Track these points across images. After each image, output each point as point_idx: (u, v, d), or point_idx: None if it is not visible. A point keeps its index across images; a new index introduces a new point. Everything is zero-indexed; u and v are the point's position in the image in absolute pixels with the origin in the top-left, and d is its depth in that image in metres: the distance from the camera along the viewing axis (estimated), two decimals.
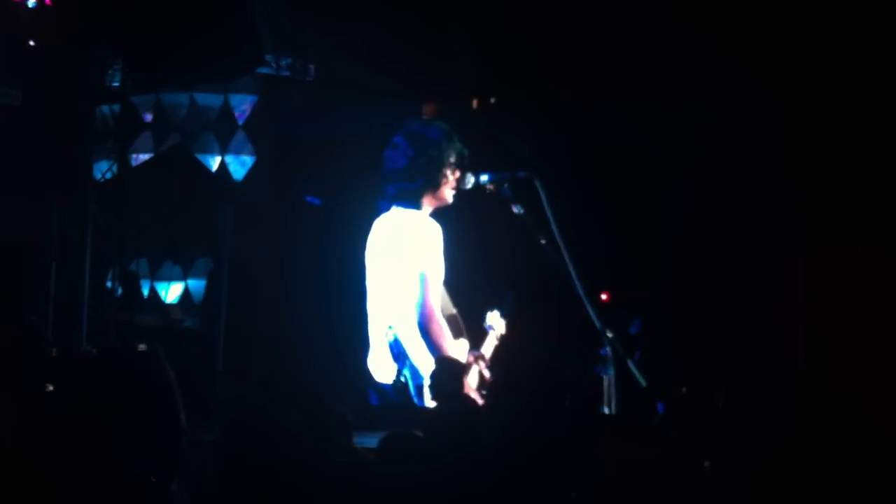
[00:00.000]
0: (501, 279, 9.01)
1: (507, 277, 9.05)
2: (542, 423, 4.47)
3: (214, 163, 12.90)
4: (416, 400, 7.36)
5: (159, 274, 12.68)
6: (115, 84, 9.36)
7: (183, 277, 12.71)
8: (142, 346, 8.51)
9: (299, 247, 9.98)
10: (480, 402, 6.90)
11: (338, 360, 8.16)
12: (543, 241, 7.44)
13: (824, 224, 8.81)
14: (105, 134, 9.33)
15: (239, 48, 8.30)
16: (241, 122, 13.00)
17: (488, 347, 7.77)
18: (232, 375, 8.86)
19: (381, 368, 7.51)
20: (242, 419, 3.76)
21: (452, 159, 7.56)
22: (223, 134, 13.01)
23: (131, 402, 3.60)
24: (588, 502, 4.57)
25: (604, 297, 8.69)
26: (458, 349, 7.50)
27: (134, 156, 12.37)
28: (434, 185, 7.55)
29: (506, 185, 7.58)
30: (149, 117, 13.11)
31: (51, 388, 5.16)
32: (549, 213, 7.41)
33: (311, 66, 10.32)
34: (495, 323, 7.87)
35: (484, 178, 7.61)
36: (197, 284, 12.56)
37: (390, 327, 7.47)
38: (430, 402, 7.09)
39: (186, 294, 12.65)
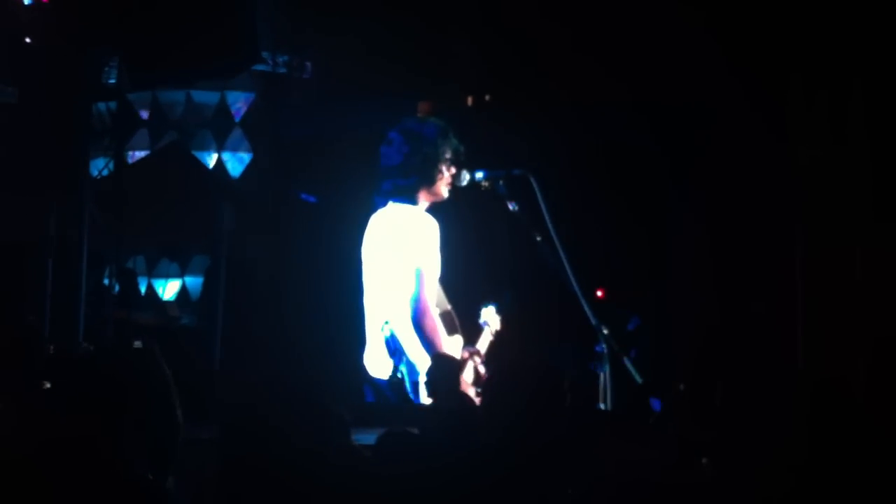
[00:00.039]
0: (498, 276, 9.01)
1: (503, 274, 9.05)
2: (543, 422, 4.46)
3: (211, 160, 12.88)
4: (412, 396, 7.37)
5: (156, 271, 12.67)
6: (112, 81, 9.34)
7: (180, 275, 12.70)
8: (137, 344, 8.51)
9: (296, 243, 9.97)
10: (476, 398, 6.91)
11: (334, 358, 8.15)
12: (539, 238, 7.45)
13: (824, 224, 8.82)
14: (101, 131, 9.30)
15: (239, 48, 8.29)
16: (237, 120, 12.99)
17: (483, 343, 7.78)
18: (230, 375, 8.84)
19: (378, 364, 7.51)
20: (242, 420, 3.75)
21: (448, 156, 7.57)
22: (220, 131, 13.01)
23: (128, 401, 3.59)
24: (587, 502, 4.56)
25: (599, 293, 8.69)
26: (452, 345, 7.51)
27: (130, 153, 12.35)
28: (429, 182, 7.56)
29: (501, 183, 7.59)
30: (145, 114, 13.10)
31: (47, 385, 5.15)
32: (544, 210, 7.41)
33: (308, 64, 10.32)
34: (490, 319, 7.88)
35: (479, 174, 7.62)
36: (194, 281, 12.55)
37: (387, 322, 7.48)
38: (426, 399, 7.09)
39: (184, 291, 12.64)
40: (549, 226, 7.41)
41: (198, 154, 12.58)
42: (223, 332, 9.87)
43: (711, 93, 9.14)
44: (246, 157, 12.86)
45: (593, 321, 7.36)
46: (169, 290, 12.63)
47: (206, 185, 11.54)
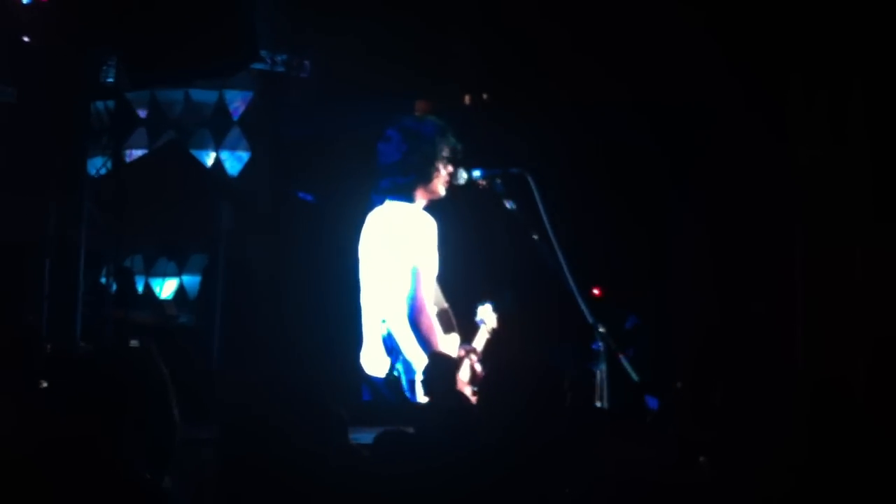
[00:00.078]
0: (495, 274, 9.02)
1: (500, 273, 9.06)
2: (542, 422, 4.46)
3: (209, 159, 12.87)
4: (408, 395, 7.38)
5: (154, 270, 12.65)
6: (110, 80, 9.34)
7: (178, 274, 12.68)
8: (135, 343, 8.49)
9: (294, 242, 9.96)
10: (472, 397, 6.91)
11: (332, 356, 8.15)
12: (536, 237, 7.45)
13: (824, 224, 8.82)
14: (100, 130, 9.29)
15: (237, 47, 8.29)
16: (235, 119, 12.98)
17: (479, 341, 7.78)
18: (229, 374, 8.85)
19: (375, 363, 7.51)
20: (241, 419, 3.75)
21: (446, 154, 7.60)
22: (218, 130, 12.99)
23: (125, 400, 3.58)
24: (586, 501, 4.55)
25: (596, 291, 8.69)
26: (448, 343, 7.52)
27: (129, 152, 12.33)
28: (427, 180, 7.58)
29: (498, 181, 7.61)
30: (144, 113, 13.08)
31: (44, 385, 5.14)
32: (541, 208, 7.42)
33: (307, 63, 10.32)
34: (486, 317, 7.89)
35: (476, 173, 7.64)
36: (192, 280, 12.53)
37: (383, 321, 7.48)
38: (422, 398, 7.10)
39: (181, 290, 12.63)
40: (546, 224, 7.41)
41: (196, 153, 12.56)
42: (221, 331, 9.87)
43: (711, 93, 9.15)
44: (244, 155, 12.85)
45: (590, 319, 7.37)
46: (167, 289, 12.61)
47: (205, 184, 11.52)
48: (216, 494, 3.84)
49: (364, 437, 4.69)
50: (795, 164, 8.91)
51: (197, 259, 12.40)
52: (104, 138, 9.46)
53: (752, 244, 9.08)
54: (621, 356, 7.29)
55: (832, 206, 8.80)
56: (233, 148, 12.95)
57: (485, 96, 10.03)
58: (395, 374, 7.46)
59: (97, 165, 9.41)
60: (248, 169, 12.68)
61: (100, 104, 9.15)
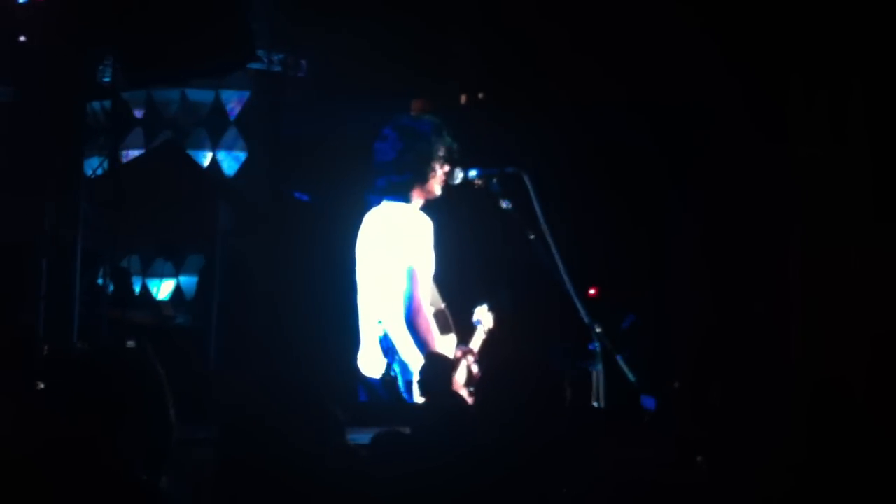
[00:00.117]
0: (492, 274, 9.02)
1: (497, 273, 9.06)
2: (541, 422, 4.46)
3: (206, 159, 12.87)
4: (405, 395, 7.38)
5: (151, 271, 12.64)
6: (106, 80, 9.34)
7: (175, 274, 12.68)
8: (131, 343, 8.49)
9: (291, 242, 9.96)
10: (469, 397, 6.92)
11: (329, 357, 8.16)
12: (532, 237, 7.46)
13: (823, 224, 8.82)
14: (96, 130, 9.29)
15: (235, 47, 8.29)
16: (232, 118, 12.97)
17: (476, 342, 7.79)
18: (226, 374, 8.85)
19: (371, 363, 7.51)
20: (239, 420, 3.75)
21: (441, 153, 7.59)
22: (215, 130, 12.98)
23: (122, 400, 3.59)
24: (585, 501, 4.56)
25: (591, 291, 8.70)
26: (445, 344, 7.51)
27: (125, 152, 12.32)
28: (423, 179, 7.58)
29: (494, 181, 7.61)
30: (140, 113, 13.07)
31: (41, 386, 5.14)
32: (537, 208, 7.42)
33: (303, 62, 10.32)
34: (483, 317, 7.89)
35: (472, 173, 7.64)
36: (189, 281, 12.53)
37: (380, 322, 7.48)
38: (419, 398, 7.10)
39: (178, 291, 12.62)
40: (543, 224, 7.42)
41: (193, 153, 12.55)
42: (218, 331, 9.88)
43: (710, 93, 9.15)
44: (241, 155, 12.84)
45: (586, 319, 7.37)
46: (163, 289, 12.61)
47: (201, 184, 11.52)
48: (213, 495, 3.85)
49: (361, 437, 4.69)
50: (795, 164, 8.91)
51: (194, 259, 12.39)
52: (100, 138, 9.45)
53: (751, 244, 9.08)
54: (618, 356, 7.30)
55: (832, 206, 8.80)
56: (230, 148, 12.94)
57: (480, 95, 10.03)
58: (392, 374, 7.46)
59: (94, 166, 9.41)
60: (245, 169, 12.67)
61: (96, 104, 9.14)
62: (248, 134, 12.68)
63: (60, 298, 8.47)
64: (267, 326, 9.62)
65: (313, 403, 3.84)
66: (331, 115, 9.97)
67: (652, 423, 6.62)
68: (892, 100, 8.57)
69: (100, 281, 9.23)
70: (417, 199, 7.60)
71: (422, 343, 7.35)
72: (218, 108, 13.00)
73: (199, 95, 12.97)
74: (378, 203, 7.64)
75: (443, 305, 7.67)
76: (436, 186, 7.63)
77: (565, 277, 7.42)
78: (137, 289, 12.21)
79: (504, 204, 7.60)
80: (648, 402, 7.16)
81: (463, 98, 10.04)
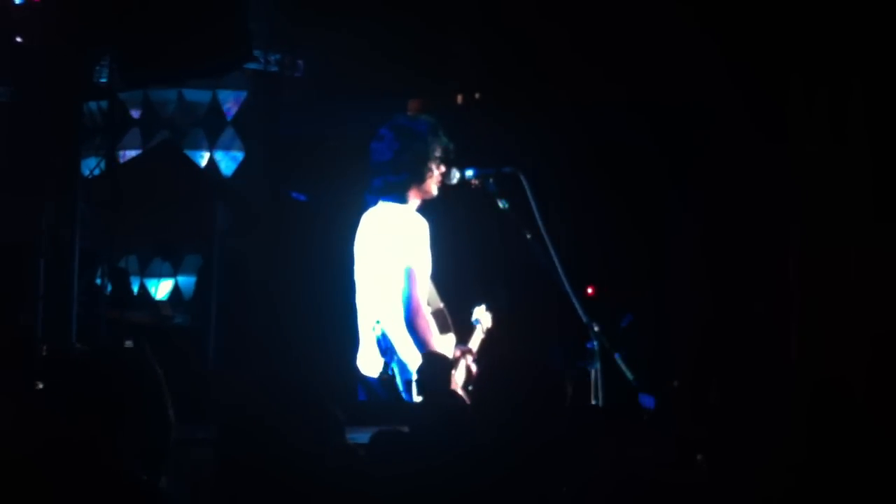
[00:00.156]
0: (490, 274, 9.02)
1: (496, 272, 9.06)
2: (540, 422, 4.46)
3: (203, 159, 12.86)
4: (404, 395, 7.37)
5: (149, 271, 12.63)
6: (103, 80, 9.33)
7: (173, 274, 12.67)
8: (128, 343, 8.47)
9: (289, 242, 9.96)
10: (467, 397, 6.92)
11: (328, 357, 8.15)
12: (529, 236, 7.45)
13: (823, 224, 8.81)
14: (92, 130, 9.28)
15: (232, 47, 8.28)
16: (229, 118, 12.96)
17: (475, 342, 7.78)
18: (225, 374, 8.85)
19: (369, 363, 7.51)
20: (239, 420, 3.75)
21: (438, 153, 7.58)
22: (212, 130, 12.97)
23: (120, 400, 3.59)
24: (584, 500, 4.55)
25: (589, 290, 8.69)
26: (444, 343, 7.51)
27: (122, 152, 12.31)
28: (419, 179, 7.57)
29: (491, 180, 7.60)
30: (137, 113, 13.06)
31: (41, 386, 5.13)
32: (534, 207, 7.42)
33: (300, 62, 10.31)
34: (482, 317, 7.89)
35: (469, 172, 7.63)
36: (187, 281, 12.52)
37: (378, 322, 7.47)
38: (417, 398, 7.09)
39: (176, 290, 12.62)
40: (540, 223, 7.41)
41: (190, 153, 12.54)
42: (217, 331, 9.87)
43: (710, 93, 9.14)
44: (239, 155, 12.83)
45: (584, 318, 7.37)
46: (162, 289, 12.60)
47: (199, 184, 11.51)
48: (213, 494, 3.84)
49: (360, 436, 4.69)
50: (795, 164, 8.90)
51: (192, 259, 12.38)
52: (97, 139, 9.44)
53: (751, 244, 9.07)
54: (616, 355, 7.29)
55: (832, 206, 8.79)
56: (227, 148, 12.93)
57: (477, 95, 10.02)
58: (390, 373, 7.45)
59: (91, 166, 9.40)
60: (242, 169, 12.66)
61: (93, 104, 9.14)
62: (246, 134, 12.67)
63: (59, 299, 8.47)
64: (266, 326, 9.62)
65: (313, 403, 3.84)
66: (329, 115, 9.96)
67: (652, 423, 6.61)
68: (892, 100, 8.57)
69: (98, 281, 9.23)
70: (414, 200, 7.59)
71: (421, 343, 7.34)
72: (215, 108, 12.99)
73: (196, 95, 12.96)
74: (375, 204, 7.64)
75: (441, 305, 7.66)
76: (432, 187, 7.62)
77: (562, 276, 7.41)
78: (136, 289, 12.21)
79: (501, 203, 7.59)
80: (648, 401, 7.15)
81: (459, 98, 10.02)
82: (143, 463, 3.57)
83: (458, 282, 8.01)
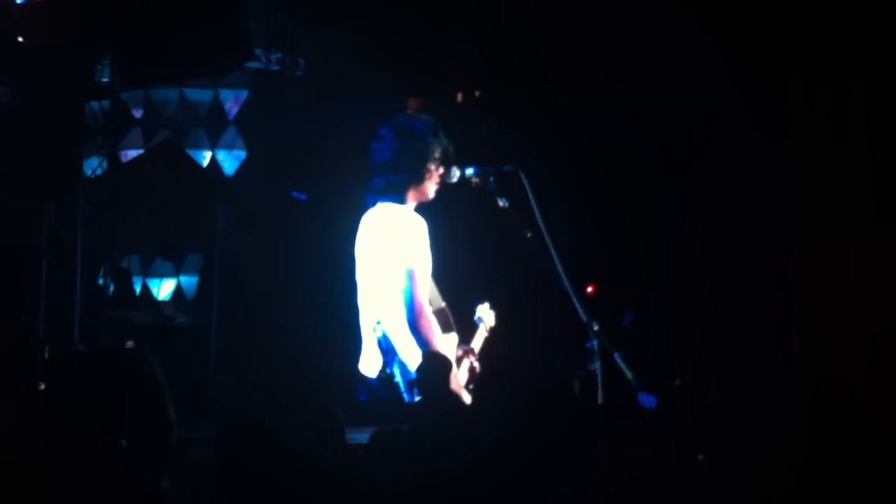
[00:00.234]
0: (491, 273, 9.02)
1: (497, 271, 9.06)
2: (540, 422, 4.46)
3: (205, 158, 12.87)
4: (405, 395, 7.36)
5: (151, 271, 12.65)
6: (105, 80, 9.34)
7: (175, 274, 12.68)
8: (130, 343, 8.47)
9: (290, 242, 9.96)
10: (468, 397, 6.92)
11: (329, 357, 8.15)
12: (529, 235, 7.45)
13: (823, 224, 8.81)
14: (94, 130, 9.28)
15: (233, 46, 8.29)
16: (231, 117, 12.97)
17: (478, 341, 7.78)
18: (226, 374, 8.85)
19: (370, 364, 7.50)
20: (239, 420, 3.75)
21: (437, 154, 7.57)
22: (213, 129, 12.99)
23: (121, 400, 3.59)
24: (584, 500, 4.56)
25: (589, 289, 8.69)
26: (447, 343, 7.50)
27: (124, 152, 12.32)
28: (419, 179, 7.56)
29: (491, 179, 7.59)
30: (138, 113, 13.08)
31: (42, 386, 5.14)
32: (534, 206, 7.42)
33: (302, 61, 10.31)
34: (485, 315, 7.88)
35: (469, 171, 7.62)
36: (189, 281, 12.53)
37: (378, 323, 7.47)
38: (417, 397, 7.09)
39: (178, 290, 12.63)
40: (540, 222, 7.41)
41: (191, 152, 12.55)
42: (218, 331, 9.88)
43: (710, 93, 9.14)
44: (241, 154, 12.85)
45: (584, 317, 7.37)
46: (164, 289, 12.61)
47: (200, 184, 11.51)
48: (213, 495, 3.85)
49: (360, 436, 4.69)
50: (795, 164, 8.90)
51: (194, 259, 12.39)
52: (99, 138, 9.45)
53: (751, 244, 9.07)
54: (616, 354, 7.29)
55: (831, 206, 8.79)
56: (229, 147, 12.94)
57: (476, 93, 10.02)
58: (389, 372, 7.45)
59: (92, 166, 9.41)
60: (243, 168, 12.67)
61: (94, 104, 9.14)
62: (247, 133, 12.68)
63: (60, 299, 8.47)
64: (267, 326, 9.62)
65: (313, 403, 3.84)
66: (329, 115, 9.97)
67: (652, 423, 6.62)
68: (892, 100, 8.57)
69: (100, 281, 9.23)
70: (412, 201, 7.59)
71: (425, 344, 7.33)
72: (216, 107, 13.00)
73: (198, 95, 12.98)
74: (374, 204, 7.64)
75: (443, 304, 7.66)
76: (430, 188, 7.61)
77: (562, 275, 7.41)
78: (138, 289, 12.22)
79: (501, 202, 7.59)
80: (648, 401, 7.15)
81: (459, 96, 10.02)
82: (143, 463, 3.57)
83: (457, 281, 8.01)
